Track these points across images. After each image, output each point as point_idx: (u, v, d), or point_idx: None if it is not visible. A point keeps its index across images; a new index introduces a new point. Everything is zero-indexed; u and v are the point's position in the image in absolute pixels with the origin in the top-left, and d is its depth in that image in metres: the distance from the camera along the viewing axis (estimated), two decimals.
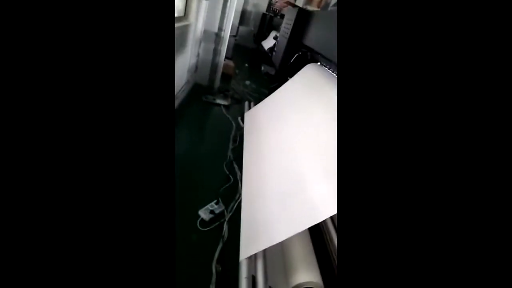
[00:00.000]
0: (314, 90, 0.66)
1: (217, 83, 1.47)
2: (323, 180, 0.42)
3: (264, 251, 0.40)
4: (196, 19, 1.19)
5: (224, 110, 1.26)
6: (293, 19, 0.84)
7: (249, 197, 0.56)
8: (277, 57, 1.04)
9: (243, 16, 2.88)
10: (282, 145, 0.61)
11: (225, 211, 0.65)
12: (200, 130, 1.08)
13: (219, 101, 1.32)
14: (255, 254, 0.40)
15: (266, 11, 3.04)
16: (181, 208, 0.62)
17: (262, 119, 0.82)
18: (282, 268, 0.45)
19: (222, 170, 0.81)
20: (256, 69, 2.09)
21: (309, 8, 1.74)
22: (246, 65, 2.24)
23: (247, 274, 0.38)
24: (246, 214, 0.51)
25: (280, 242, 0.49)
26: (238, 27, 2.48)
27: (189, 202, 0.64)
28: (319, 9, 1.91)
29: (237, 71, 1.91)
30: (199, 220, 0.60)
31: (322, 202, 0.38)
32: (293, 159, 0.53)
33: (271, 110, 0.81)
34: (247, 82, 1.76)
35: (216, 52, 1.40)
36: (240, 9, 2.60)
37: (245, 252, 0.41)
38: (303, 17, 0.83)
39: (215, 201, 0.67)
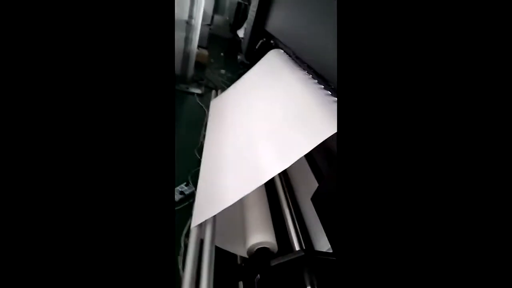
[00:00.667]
0: (272, 73, 0.70)
1: (190, 72, 1.46)
2: (270, 149, 0.46)
3: (214, 217, 0.45)
4: None
5: (197, 99, 1.27)
6: (257, 5, 0.87)
7: (205, 173, 0.60)
8: (244, 43, 1.07)
9: (218, 5, 2.81)
10: (239, 124, 0.65)
11: (195, 192, 0.68)
12: None
13: (192, 89, 1.33)
14: (205, 221, 0.45)
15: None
16: None
17: (225, 104, 0.85)
18: (241, 232, 0.50)
19: (194, 155, 0.84)
20: (233, 58, 2.09)
21: None
22: (222, 54, 2.23)
23: (196, 239, 0.42)
24: (202, 187, 0.55)
25: (240, 209, 0.53)
26: (212, 16, 2.43)
27: None
28: None
29: (212, 60, 1.90)
30: None
31: (267, 165, 0.42)
32: (247, 135, 0.57)
33: (233, 95, 0.85)
34: (222, 71, 1.76)
35: (187, 40, 1.39)
36: None
37: (196, 220, 0.46)
38: (266, 3, 0.86)
39: (185, 183, 0.70)
